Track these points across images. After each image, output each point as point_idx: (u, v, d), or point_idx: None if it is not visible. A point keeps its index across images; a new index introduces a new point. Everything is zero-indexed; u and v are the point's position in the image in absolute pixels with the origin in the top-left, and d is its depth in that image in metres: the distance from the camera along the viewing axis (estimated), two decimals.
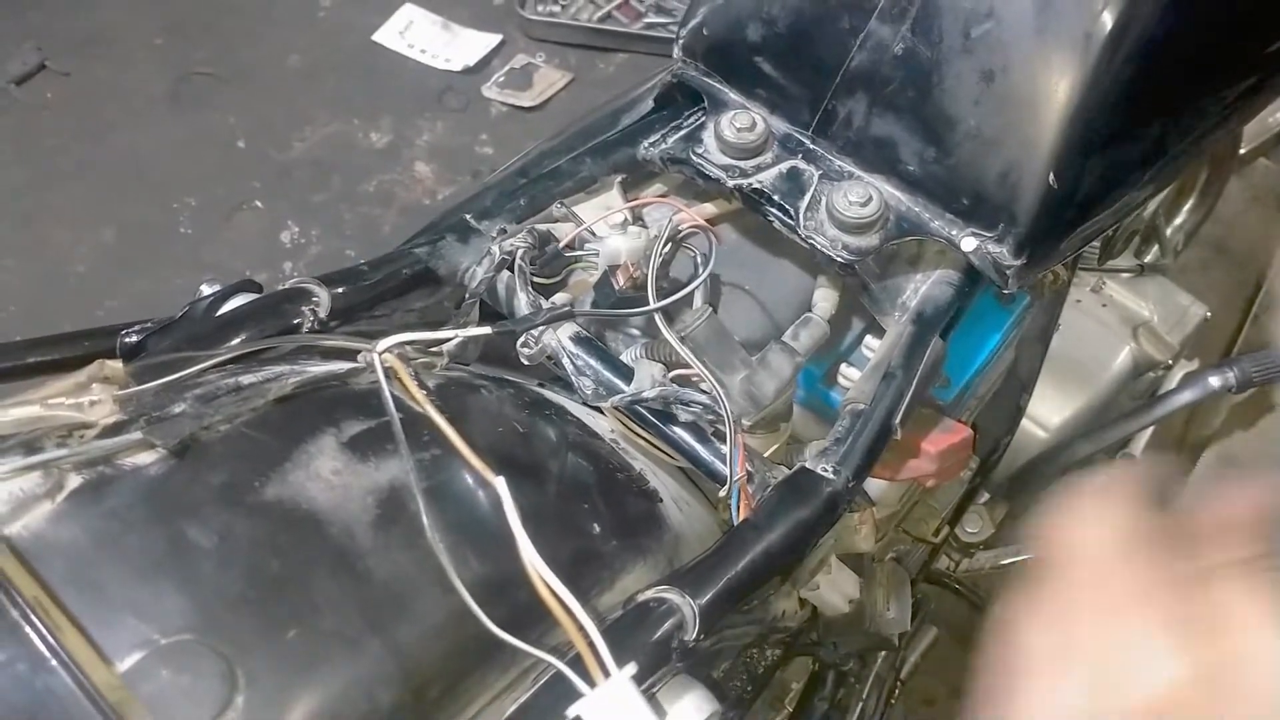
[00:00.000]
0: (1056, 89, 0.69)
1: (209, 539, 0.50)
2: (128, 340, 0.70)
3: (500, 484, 0.52)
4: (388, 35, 2.44)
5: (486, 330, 0.52)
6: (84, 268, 2.08)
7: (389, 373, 0.55)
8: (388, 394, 0.53)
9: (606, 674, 0.51)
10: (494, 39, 2.42)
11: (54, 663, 0.43)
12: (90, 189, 2.18)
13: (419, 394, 0.57)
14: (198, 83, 2.36)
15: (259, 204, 2.18)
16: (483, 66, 2.39)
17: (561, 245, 0.76)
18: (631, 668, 0.49)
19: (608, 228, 0.79)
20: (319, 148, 2.26)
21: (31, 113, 2.31)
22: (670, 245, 0.76)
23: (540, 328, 0.70)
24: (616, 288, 0.74)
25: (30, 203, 2.17)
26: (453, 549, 0.51)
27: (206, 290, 0.76)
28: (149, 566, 0.49)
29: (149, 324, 0.72)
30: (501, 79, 2.36)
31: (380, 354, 0.54)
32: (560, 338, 0.72)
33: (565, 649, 0.53)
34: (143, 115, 2.30)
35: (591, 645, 0.51)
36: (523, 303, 0.73)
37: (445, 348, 0.68)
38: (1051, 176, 0.70)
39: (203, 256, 2.08)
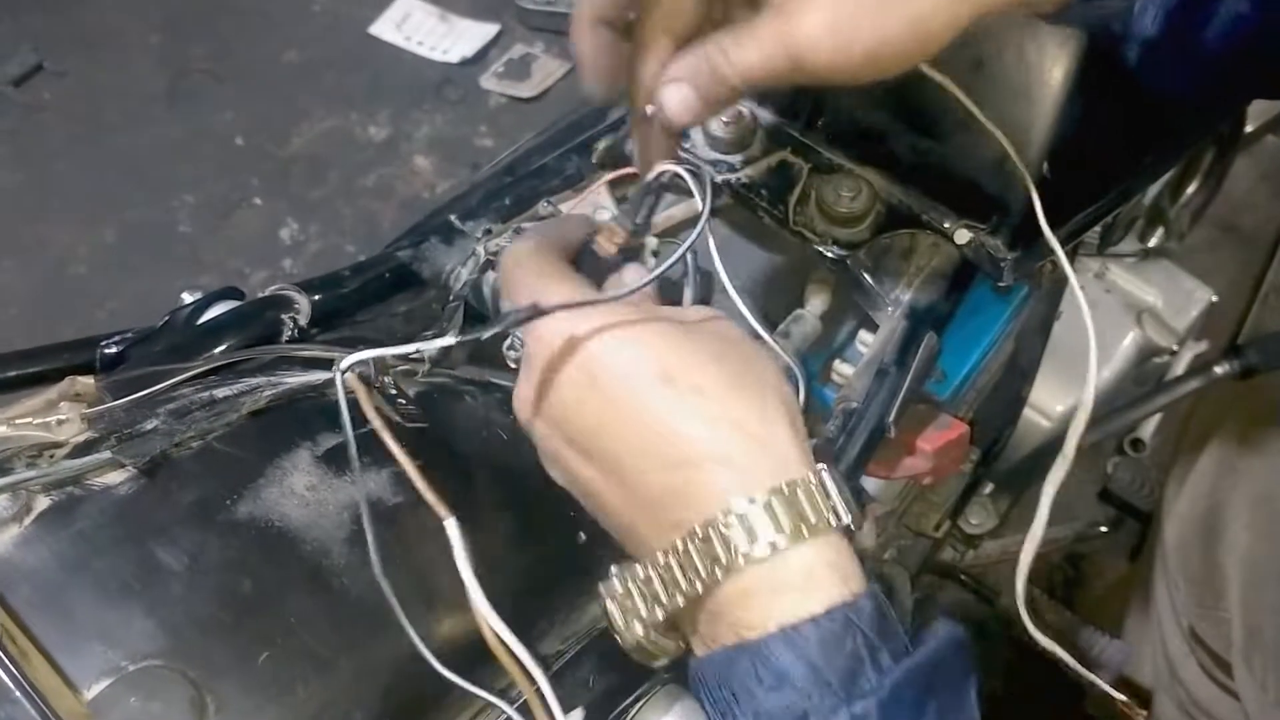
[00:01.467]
0: (1049, 74, 0.67)
1: (179, 560, 0.49)
2: (107, 352, 0.69)
3: (451, 525, 0.47)
4: (384, 28, 2.43)
5: (449, 341, 0.50)
6: (84, 268, 2.08)
7: (351, 394, 0.53)
8: (346, 417, 0.50)
9: None
10: (492, 30, 2.41)
11: (18, 693, 0.42)
12: (89, 189, 2.18)
13: (377, 421, 0.53)
14: (195, 80, 2.35)
15: (258, 201, 2.17)
16: (481, 58, 2.38)
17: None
18: (578, 714, 0.47)
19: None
20: (317, 143, 2.25)
21: (29, 114, 2.30)
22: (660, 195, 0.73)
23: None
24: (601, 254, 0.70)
25: (30, 204, 2.16)
26: (418, 573, 0.49)
27: (188, 298, 0.75)
28: (117, 590, 0.48)
29: (129, 334, 0.71)
30: (500, 70, 2.35)
31: (343, 373, 0.52)
32: None
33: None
34: (140, 114, 2.29)
35: (540, 694, 0.47)
36: (507, 304, 0.72)
37: (426, 353, 0.66)
38: (1045, 165, 0.68)
39: (202, 255, 2.08)
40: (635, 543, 0.49)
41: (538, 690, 0.45)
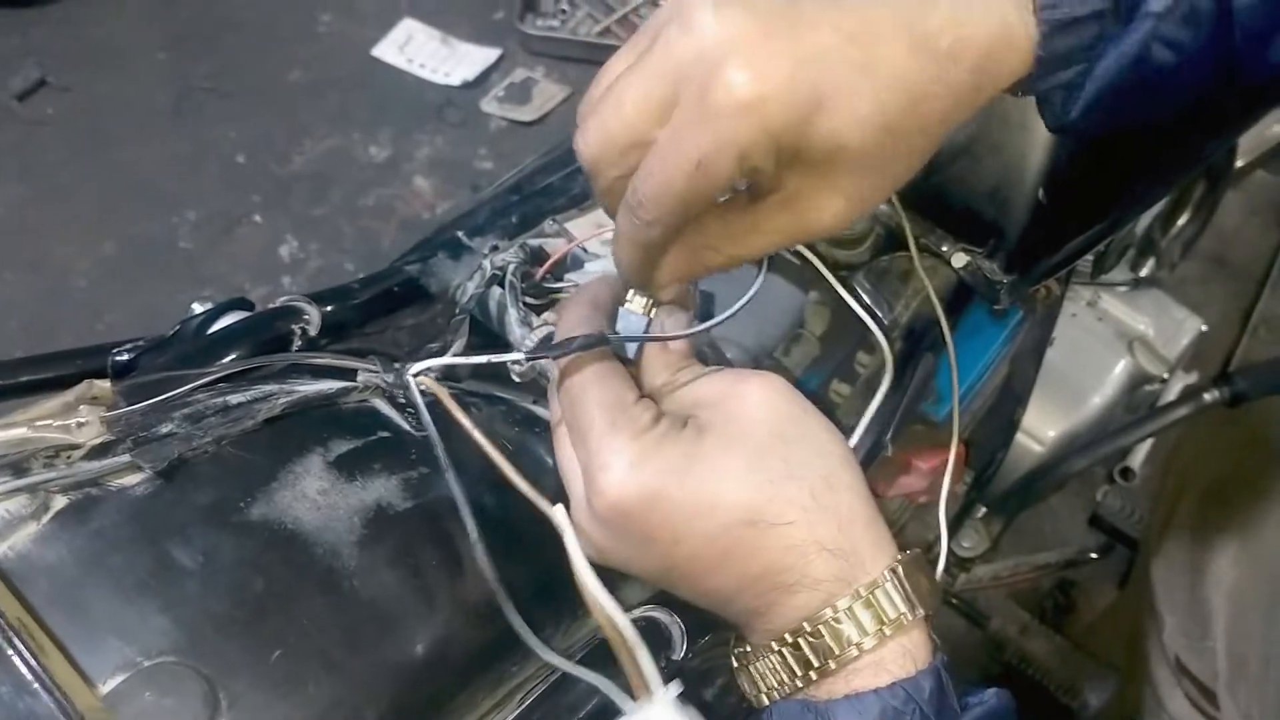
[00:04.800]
0: None
1: (194, 560, 0.50)
2: (119, 359, 0.70)
3: (559, 512, 0.51)
4: (387, 50, 2.45)
5: (519, 356, 0.53)
6: (85, 282, 2.09)
7: (425, 394, 0.56)
8: (426, 415, 0.54)
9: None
10: (493, 53, 2.43)
11: (36, 685, 0.43)
12: (91, 204, 2.19)
13: (464, 419, 0.54)
14: (198, 98, 2.37)
15: (258, 218, 2.18)
16: (482, 81, 2.40)
17: (552, 262, 0.76)
18: (676, 686, 0.50)
19: (600, 244, 0.79)
20: (318, 162, 2.27)
21: (33, 128, 2.32)
22: None
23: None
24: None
25: (32, 217, 2.17)
26: (452, 567, 0.51)
27: (198, 308, 0.76)
28: (133, 587, 0.48)
29: (140, 342, 0.72)
30: (501, 93, 2.37)
31: (415, 376, 0.55)
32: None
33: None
34: (144, 130, 2.31)
35: (638, 665, 0.50)
36: (513, 319, 0.73)
37: (433, 364, 0.68)
38: (1041, 192, 0.70)
39: (202, 271, 2.09)
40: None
41: (635, 662, 0.49)
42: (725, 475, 0.48)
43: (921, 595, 0.48)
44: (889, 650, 0.47)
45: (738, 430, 0.49)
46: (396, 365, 0.62)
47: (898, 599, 0.47)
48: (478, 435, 0.52)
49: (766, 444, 0.48)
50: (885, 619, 0.47)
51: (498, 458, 0.51)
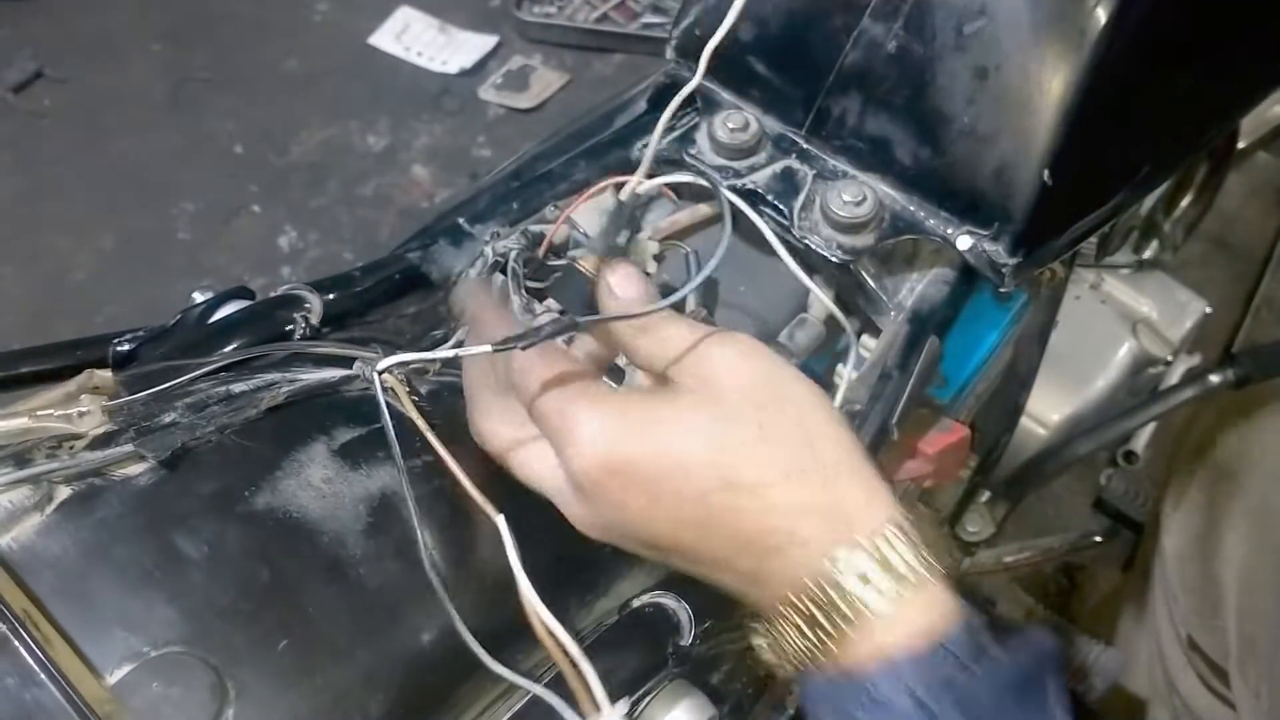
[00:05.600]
0: (1050, 85, 0.68)
1: (199, 549, 0.50)
2: (120, 349, 0.70)
3: (501, 522, 0.50)
4: (384, 38, 2.44)
5: (485, 349, 0.51)
6: (83, 275, 2.08)
7: (389, 394, 0.55)
8: (388, 420, 0.53)
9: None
10: (490, 41, 2.42)
11: (43, 676, 0.43)
12: (89, 196, 2.18)
13: (421, 422, 0.55)
14: (195, 89, 2.36)
15: (257, 209, 2.17)
16: (479, 68, 2.39)
17: (547, 241, 0.75)
18: (623, 705, 0.49)
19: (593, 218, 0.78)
20: (316, 152, 2.26)
21: (29, 120, 2.31)
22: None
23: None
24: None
25: (29, 210, 2.17)
26: (449, 563, 0.50)
27: (199, 298, 0.75)
28: (138, 578, 0.48)
29: (141, 332, 0.71)
30: (499, 81, 2.36)
31: (380, 373, 0.54)
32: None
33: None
34: (140, 121, 2.30)
35: (585, 683, 0.50)
36: (516, 305, 0.73)
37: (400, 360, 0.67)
38: (1046, 173, 0.69)
39: (201, 262, 2.08)
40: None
41: (583, 680, 0.48)
42: (693, 435, 0.48)
43: (928, 544, 0.47)
44: (907, 605, 0.46)
45: (708, 394, 0.49)
46: (375, 352, 0.61)
47: (901, 547, 0.46)
48: (432, 437, 0.52)
49: (738, 407, 0.48)
50: (890, 568, 0.46)
51: (450, 461, 0.51)
